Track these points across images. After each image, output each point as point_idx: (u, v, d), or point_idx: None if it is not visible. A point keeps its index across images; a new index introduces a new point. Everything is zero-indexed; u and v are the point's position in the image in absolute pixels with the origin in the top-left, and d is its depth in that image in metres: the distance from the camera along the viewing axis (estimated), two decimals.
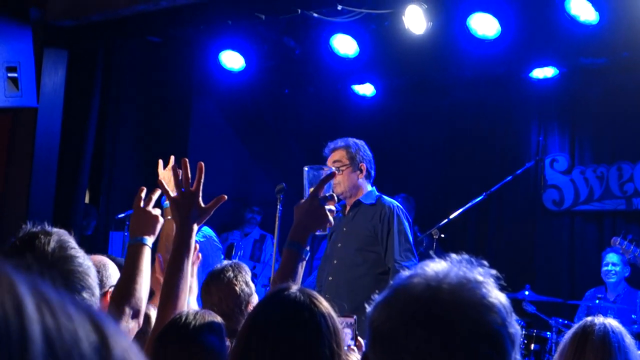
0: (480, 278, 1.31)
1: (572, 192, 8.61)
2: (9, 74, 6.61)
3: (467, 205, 6.83)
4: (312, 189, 2.84)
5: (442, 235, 6.45)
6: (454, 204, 7.21)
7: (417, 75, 8.52)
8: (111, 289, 2.93)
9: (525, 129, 8.96)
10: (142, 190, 3.07)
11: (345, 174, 5.50)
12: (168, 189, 3.01)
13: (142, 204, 3.04)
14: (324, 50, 7.58)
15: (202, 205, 2.90)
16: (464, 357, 1.26)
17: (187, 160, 2.92)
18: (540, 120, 8.86)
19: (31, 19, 6.85)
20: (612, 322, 3.01)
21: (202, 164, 2.88)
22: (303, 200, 2.83)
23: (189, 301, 3.17)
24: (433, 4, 6.49)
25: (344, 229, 5.61)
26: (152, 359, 2.55)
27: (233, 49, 7.98)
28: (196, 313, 2.73)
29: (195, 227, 2.92)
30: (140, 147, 8.83)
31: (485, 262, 1.33)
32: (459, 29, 6.81)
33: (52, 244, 2.02)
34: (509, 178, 7.60)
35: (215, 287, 3.80)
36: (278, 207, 5.67)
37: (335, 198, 2.92)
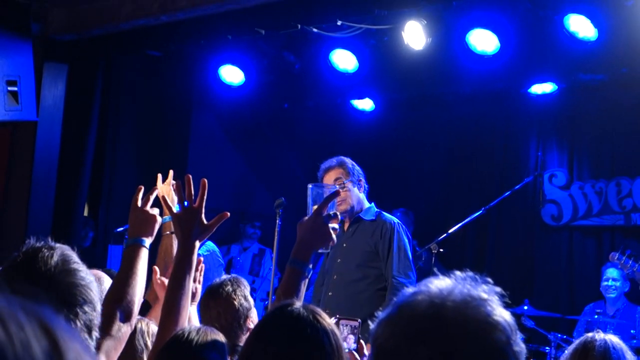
0: (484, 295, 1.30)
1: (570, 207, 8.62)
2: (9, 88, 6.62)
3: (466, 220, 6.83)
4: (315, 207, 2.83)
5: (441, 250, 6.44)
6: (453, 218, 7.20)
7: (416, 91, 8.53)
8: None
9: (524, 144, 8.97)
10: (139, 190, 3.03)
11: (349, 190, 5.52)
12: (170, 204, 3.01)
13: (139, 204, 3.00)
14: (324, 65, 7.59)
15: (205, 222, 2.88)
16: None
17: (190, 176, 2.92)
18: (539, 136, 8.88)
19: (32, 33, 6.87)
20: (613, 338, 3.01)
21: (205, 180, 2.87)
22: (306, 218, 2.82)
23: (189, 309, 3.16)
24: (432, 20, 6.52)
25: (344, 244, 5.61)
26: None
27: (233, 63, 8.00)
28: (198, 329, 2.72)
29: (197, 243, 2.90)
30: (140, 161, 8.83)
31: (490, 279, 1.33)
32: (458, 44, 6.83)
33: (55, 258, 2.03)
34: (508, 193, 7.61)
35: (214, 302, 3.80)
36: (277, 221, 5.66)
37: (339, 216, 2.91)
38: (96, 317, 2.04)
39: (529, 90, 8.24)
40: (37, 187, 7.21)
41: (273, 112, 9.47)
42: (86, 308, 1.99)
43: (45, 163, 7.27)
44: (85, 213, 8.11)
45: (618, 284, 7.27)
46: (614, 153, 8.44)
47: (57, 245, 2.09)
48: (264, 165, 9.76)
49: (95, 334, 2.03)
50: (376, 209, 5.68)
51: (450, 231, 6.59)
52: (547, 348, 6.81)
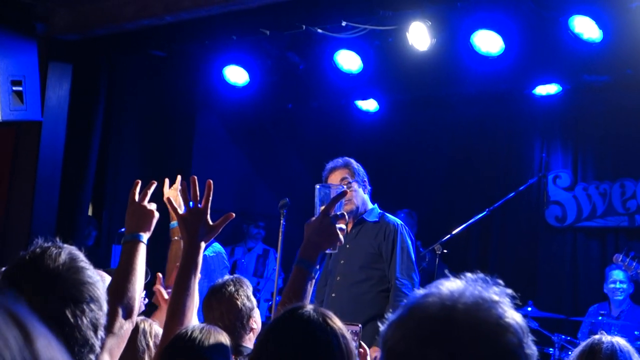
0: (495, 298, 1.30)
1: (574, 209, 8.61)
2: (14, 88, 6.62)
3: (469, 221, 6.82)
4: (323, 207, 2.82)
5: (445, 251, 6.44)
6: (456, 219, 7.20)
7: (420, 91, 8.52)
8: None
9: (528, 145, 8.97)
10: (137, 184, 2.99)
11: (354, 190, 5.53)
12: (176, 206, 3.00)
13: (137, 198, 2.96)
14: (328, 65, 7.60)
15: (210, 222, 2.87)
16: None
17: (195, 178, 2.91)
18: (543, 137, 8.88)
19: (36, 33, 6.88)
20: (620, 341, 3.00)
21: (211, 181, 2.86)
22: (314, 218, 2.81)
23: None
24: (437, 21, 6.52)
25: (347, 246, 5.61)
26: None
27: (237, 64, 8.00)
28: (202, 328, 2.72)
29: (203, 244, 2.88)
30: (144, 161, 8.83)
31: (501, 281, 1.33)
32: (463, 45, 6.83)
33: (63, 256, 2.05)
34: (512, 194, 7.60)
35: (217, 302, 3.79)
36: (281, 222, 5.66)
37: (346, 217, 2.91)
38: (102, 317, 2.05)
39: (533, 91, 8.24)
40: (41, 187, 7.21)
41: (277, 113, 9.47)
42: (92, 306, 2.00)
43: (49, 163, 7.28)
44: (90, 213, 8.12)
45: (625, 286, 7.27)
46: (618, 154, 8.43)
47: (65, 245, 2.10)
48: (267, 165, 9.76)
49: (101, 333, 2.04)
50: (379, 210, 5.68)
51: (454, 232, 6.59)
52: (551, 349, 6.80)
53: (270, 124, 9.65)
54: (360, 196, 5.58)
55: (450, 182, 9.31)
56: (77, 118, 7.46)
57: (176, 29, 7.04)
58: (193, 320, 3.16)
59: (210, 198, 2.87)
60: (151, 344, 3.20)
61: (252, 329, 3.80)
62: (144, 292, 4.19)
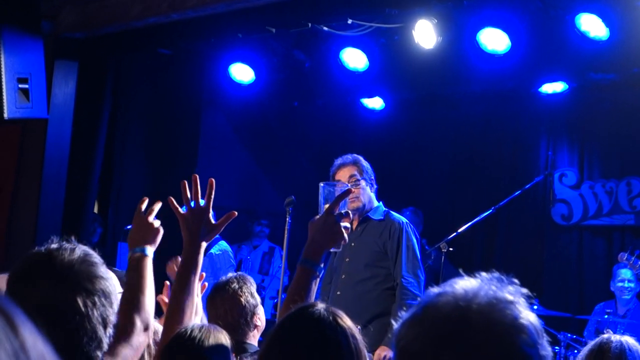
0: (510, 297, 1.29)
1: (581, 207, 8.60)
2: (20, 85, 6.63)
3: (475, 219, 6.81)
4: (327, 206, 2.80)
5: (451, 249, 6.42)
6: (462, 217, 7.18)
7: (426, 90, 8.52)
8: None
9: (534, 143, 8.95)
10: (143, 201, 2.98)
11: (362, 188, 5.54)
12: (177, 205, 2.98)
13: (143, 210, 2.95)
14: (334, 63, 7.60)
15: (212, 221, 2.86)
16: None
17: (197, 176, 2.88)
18: (549, 135, 8.86)
19: (42, 31, 6.88)
20: (629, 340, 3.00)
21: (213, 180, 2.84)
22: (318, 217, 2.78)
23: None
24: (443, 19, 6.50)
25: (352, 244, 5.61)
26: None
27: (243, 61, 8.01)
28: (202, 327, 2.72)
29: (204, 244, 2.86)
30: (150, 159, 8.84)
31: (516, 280, 1.32)
32: (469, 43, 6.83)
33: (78, 252, 2.08)
34: (518, 192, 7.58)
35: (221, 299, 3.79)
36: (287, 220, 5.65)
37: (350, 215, 2.89)
38: (112, 314, 2.06)
39: (540, 89, 8.23)
40: (47, 184, 7.22)
41: (283, 111, 9.47)
42: (104, 300, 2.02)
43: (55, 160, 7.29)
44: (95, 210, 8.13)
45: (632, 285, 7.26)
46: (624, 153, 8.42)
47: (79, 244, 2.13)
48: (273, 163, 9.76)
49: (110, 330, 2.05)
50: (384, 208, 5.68)
51: (459, 230, 6.58)
52: (556, 348, 6.79)
53: (275, 121, 9.65)
54: (367, 194, 5.59)
55: (456, 180, 9.30)
56: (83, 116, 7.46)
57: (182, 27, 7.03)
58: (199, 311, 3.16)
59: (212, 197, 2.85)
60: (151, 341, 3.20)
61: (256, 326, 3.80)
62: None
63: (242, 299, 3.77)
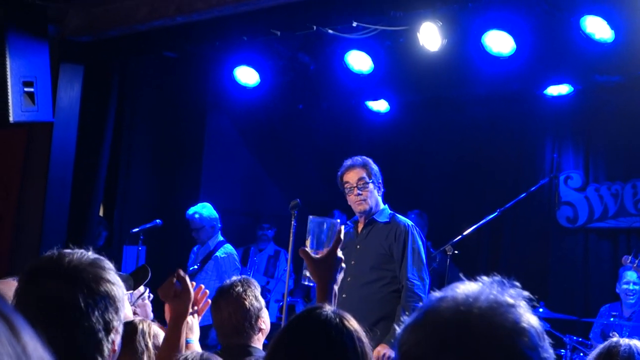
0: (511, 301, 1.28)
1: (586, 209, 8.59)
2: (26, 89, 6.64)
3: (480, 222, 6.81)
4: (328, 249, 2.86)
5: (456, 252, 6.43)
6: (467, 220, 7.18)
7: (431, 92, 8.52)
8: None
9: (539, 145, 8.94)
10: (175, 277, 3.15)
11: (370, 191, 5.56)
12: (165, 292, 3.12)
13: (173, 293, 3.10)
14: (339, 66, 7.60)
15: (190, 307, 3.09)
16: None
17: (181, 270, 3.09)
18: (554, 137, 8.85)
19: (48, 34, 6.90)
20: (638, 343, 2.99)
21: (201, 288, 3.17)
22: (320, 257, 2.84)
23: (192, 341, 3.21)
24: (448, 21, 6.51)
25: (358, 246, 5.63)
26: None
27: (248, 64, 8.02)
28: (202, 355, 2.75)
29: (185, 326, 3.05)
30: (155, 162, 8.86)
31: (517, 283, 1.32)
32: (474, 46, 6.83)
33: (91, 256, 2.10)
34: (523, 195, 7.58)
35: (225, 302, 3.78)
36: (292, 223, 5.66)
37: (342, 231, 2.96)
38: (116, 320, 2.05)
39: (545, 91, 8.23)
40: (53, 188, 7.23)
41: (288, 113, 9.48)
42: (107, 303, 2.01)
43: (61, 163, 7.30)
44: (101, 213, 8.14)
45: (638, 287, 7.24)
46: (630, 155, 8.39)
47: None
48: (278, 166, 9.76)
49: (114, 337, 2.04)
50: (390, 211, 5.69)
51: (465, 233, 6.58)
52: (562, 351, 6.77)
53: (280, 124, 9.66)
54: (375, 197, 5.61)
55: (461, 183, 9.29)
56: (88, 119, 7.48)
57: (187, 30, 7.05)
58: (196, 348, 3.20)
59: (190, 285, 3.09)
60: (150, 344, 3.20)
61: (260, 329, 3.80)
62: (147, 289, 4.20)
63: (246, 302, 3.76)
